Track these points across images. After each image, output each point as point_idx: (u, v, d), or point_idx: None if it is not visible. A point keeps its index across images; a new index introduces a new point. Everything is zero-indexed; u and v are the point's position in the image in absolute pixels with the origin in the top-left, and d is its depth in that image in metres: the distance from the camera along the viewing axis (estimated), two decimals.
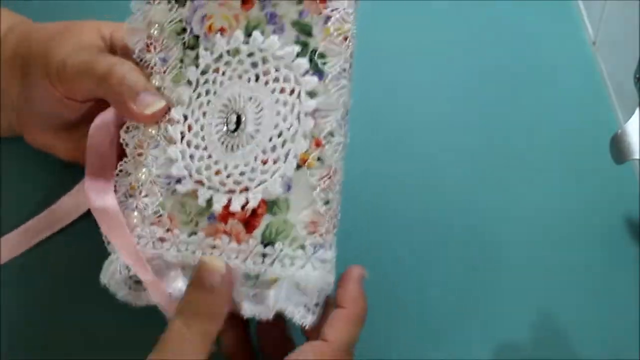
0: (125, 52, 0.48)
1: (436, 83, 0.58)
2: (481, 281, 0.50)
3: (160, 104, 0.44)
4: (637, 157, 0.46)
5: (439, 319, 0.49)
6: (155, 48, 0.45)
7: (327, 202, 0.41)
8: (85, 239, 0.51)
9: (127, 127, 0.46)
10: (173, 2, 0.45)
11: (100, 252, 0.51)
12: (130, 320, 0.48)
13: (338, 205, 0.42)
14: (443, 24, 0.61)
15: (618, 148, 0.47)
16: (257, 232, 0.42)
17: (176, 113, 0.45)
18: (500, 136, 0.56)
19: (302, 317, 0.41)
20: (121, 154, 0.47)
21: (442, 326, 0.49)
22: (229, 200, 0.43)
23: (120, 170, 0.46)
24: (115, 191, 0.45)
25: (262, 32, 0.43)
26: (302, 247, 0.41)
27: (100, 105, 0.48)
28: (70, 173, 0.52)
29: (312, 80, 0.42)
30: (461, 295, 0.50)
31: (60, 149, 0.51)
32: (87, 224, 0.51)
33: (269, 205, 0.42)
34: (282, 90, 0.43)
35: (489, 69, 0.58)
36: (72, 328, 0.49)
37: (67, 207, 0.51)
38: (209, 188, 0.43)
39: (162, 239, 0.44)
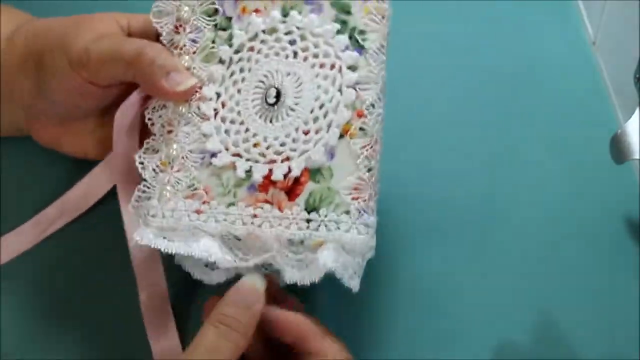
0: (144, 38, 0.48)
1: (436, 83, 0.58)
2: (481, 281, 0.50)
3: (192, 81, 0.46)
4: (637, 157, 0.46)
5: (438, 319, 0.49)
6: (184, 29, 0.46)
7: (369, 170, 0.43)
8: (87, 238, 0.51)
9: (154, 107, 0.47)
10: None
11: (101, 250, 0.51)
12: (132, 320, 0.48)
13: (378, 173, 0.44)
14: (443, 24, 0.61)
15: (618, 148, 0.47)
16: (301, 200, 0.43)
17: (208, 91, 0.46)
18: (499, 136, 0.56)
19: (350, 277, 0.42)
20: (143, 138, 0.48)
21: (441, 326, 0.49)
22: (270, 170, 0.44)
23: (147, 148, 0.46)
24: (143, 168, 0.46)
25: (300, 12, 0.45)
26: (347, 212, 0.43)
27: (120, 93, 0.49)
28: (72, 172, 0.52)
29: (352, 55, 0.44)
30: (460, 294, 0.50)
31: (69, 144, 0.51)
32: (89, 220, 0.52)
33: (312, 173, 0.44)
34: (322, 65, 0.45)
35: (488, 69, 0.58)
36: (73, 327, 0.49)
37: (76, 199, 0.51)
38: (248, 160, 0.45)
39: (198, 211, 0.44)
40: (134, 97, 0.48)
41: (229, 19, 0.46)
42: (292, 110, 0.44)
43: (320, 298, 0.48)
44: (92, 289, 0.50)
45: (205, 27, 0.46)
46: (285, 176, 0.44)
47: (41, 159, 0.53)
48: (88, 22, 0.48)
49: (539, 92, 0.58)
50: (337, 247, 0.42)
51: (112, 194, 0.50)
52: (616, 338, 0.49)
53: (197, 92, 0.46)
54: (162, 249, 0.43)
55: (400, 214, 0.52)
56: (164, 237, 0.44)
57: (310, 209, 0.43)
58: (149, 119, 0.46)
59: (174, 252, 0.43)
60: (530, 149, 0.55)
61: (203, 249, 0.43)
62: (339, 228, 0.42)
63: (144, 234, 0.44)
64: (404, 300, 0.50)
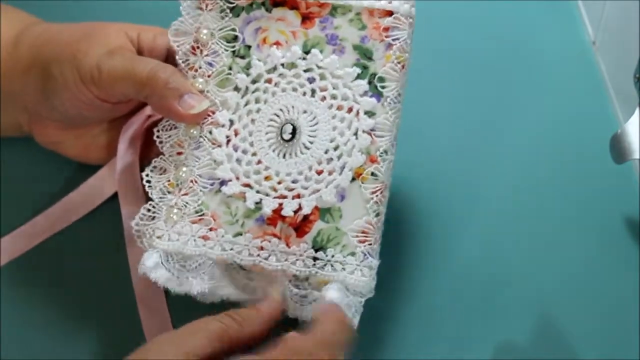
0: (152, 54, 0.48)
1: (436, 83, 0.58)
2: (481, 281, 0.50)
3: (205, 103, 0.45)
4: (637, 157, 0.46)
5: (438, 319, 0.49)
6: (201, 52, 0.46)
7: (377, 214, 0.44)
8: (87, 238, 0.51)
9: (163, 126, 0.47)
10: (227, 10, 0.46)
11: (101, 250, 0.51)
12: (131, 320, 0.48)
13: (384, 217, 0.45)
14: (443, 24, 0.61)
15: (618, 148, 0.47)
16: (309, 237, 0.44)
17: (221, 117, 0.46)
18: (499, 136, 0.56)
19: (353, 316, 0.43)
20: (143, 153, 0.49)
21: (442, 326, 0.49)
22: (280, 205, 0.44)
23: (155, 167, 0.46)
24: (150, 187, 0.46)
25: (321, 51, 0.45)
26: (353, 254, 0.44)
27: (130, 107, 0.49)
28: (73, 173, 0.52)
29: (371, 101, 0.45)
30: (460, 295, 0.50)
31: (71, 147, 0.51)
32: (90, 220, 0.52)
33: (322, 212, 0.44)
34: (339, 107, 0.45)
35: (488, 69, 0.58)
36: (73, 327, 0.49)
37: (77, 202, 0.51)
38: (258, 192, 0.45)
39: (205, 237, 0.45)
40: (142, 114, 0.48)
41: (248, 47, 0.46)
42: (307, 148, 0.45)
43: None
44: (91, 289, 0.50)
45: (223, 52, 0.46)
46: (295, 212, 0.44)
47: (42, 160, 0.53)
48: (99, 35, 0.48)
49: (538, 92, 0.58)
50: (342, 287, 0.43)
51: (114, 195, 0.50)
52: (616, 338, 0.49)
53: (209, 116, 0.46)
54: (171, 290, 0.44)
55: (399, 213, 0.52)
56: (170, 271, 0.45)
57: (318, 247, 0.44)
58: (158, 137, 0.46)
59: (187, 291, 0.44)
60: (530, 149, 0.55)
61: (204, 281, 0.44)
62: (344, 269, 0.44)
63: (148, 265, 0.44)
64: (403, 301, 0.50)
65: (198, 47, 0.46)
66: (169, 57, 0.48)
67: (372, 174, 0.44)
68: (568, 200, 0.53)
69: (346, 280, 0.43)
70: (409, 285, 0.50)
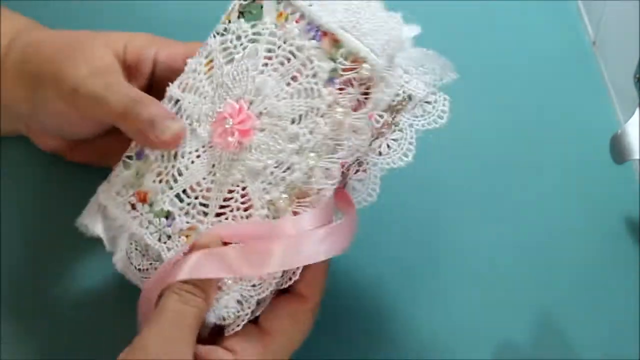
0: (139, 68, 0.47)
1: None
2: (481, 281, 0.50)
3: (177, 124, 0.44)
4: (637, 157, 0.46)
5: (438, 319, 0.49)
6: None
7: None
8: (88, 241, 0.51)
9: None
10: None
11: (102, 252, 0.51)
12: (131, 321, 0.48)
13: None
14: (442, 24, 0.61)
15: (618, 148, 0.47)
16: None
17: None
18: (499, 137, 0.56)
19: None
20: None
21: (441, 326, 0.49)
22: None
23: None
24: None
25: None
26: None
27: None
28: (72, 172, 0.52)
29: None
30: (460, 294, 0.50)
31: (69, 153, 0.51)
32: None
33: None
34: None
35: (488, 69, 0.58)
36: (73, 329, 0.49)
37: None
38: None
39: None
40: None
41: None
42: None
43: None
44: (91, 289, 0.50)
45: None
46: None
47: (41, 159, 0.53)
48: (83, 51, 0.47)
49: (538, 92, 0.58)
50: None
51: None
52: (616, 338, 0.49)
53: None
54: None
55: (401, 213, 0.52)
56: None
57: None
58: None
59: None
60: (530, 149, 0.55)
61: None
62: None
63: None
64: (402, 300, 0.50)
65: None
66: (155, 69, 0.47)
67: None
68: (568, 200, 0.53)
69: None
70: (409, 286, 0.50)
